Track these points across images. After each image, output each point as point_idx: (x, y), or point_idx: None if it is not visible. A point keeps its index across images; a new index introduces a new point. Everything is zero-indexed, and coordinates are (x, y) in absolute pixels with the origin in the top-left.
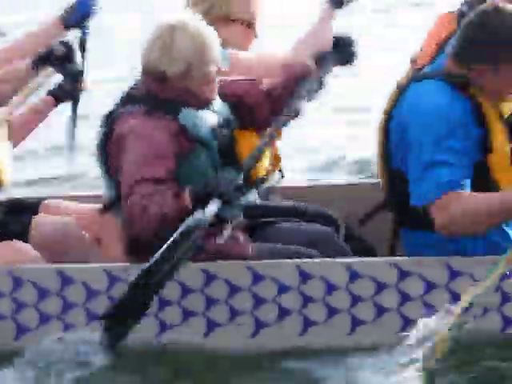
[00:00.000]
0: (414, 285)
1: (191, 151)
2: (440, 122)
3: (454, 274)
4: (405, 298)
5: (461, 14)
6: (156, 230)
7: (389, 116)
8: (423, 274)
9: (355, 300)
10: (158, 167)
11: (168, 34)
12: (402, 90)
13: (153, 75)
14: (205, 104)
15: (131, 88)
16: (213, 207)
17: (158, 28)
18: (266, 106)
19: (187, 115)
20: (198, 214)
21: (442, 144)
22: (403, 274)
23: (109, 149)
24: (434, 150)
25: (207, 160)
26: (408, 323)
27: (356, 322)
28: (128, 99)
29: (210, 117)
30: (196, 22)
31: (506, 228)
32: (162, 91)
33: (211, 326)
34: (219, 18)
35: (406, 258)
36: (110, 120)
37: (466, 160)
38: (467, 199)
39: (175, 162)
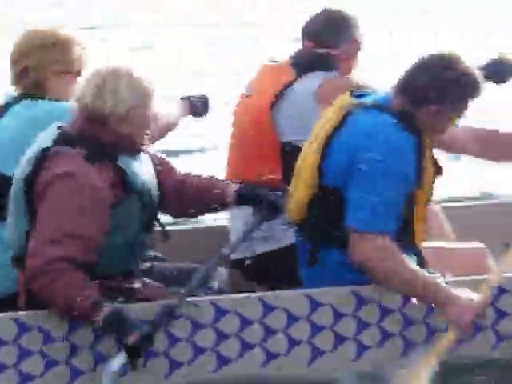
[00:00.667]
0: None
1: (125, 200)
2: (398, 161)
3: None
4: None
5: (295, 64)
6: (57, 300)
7: (329, 137)
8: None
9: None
10: (87, 226)
11: (112, 79)
12: (344, 114)
13: (92, 117)
14: (138, 151)
15: (62, 126)
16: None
17: (100, 72)
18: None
19: (126, 162)
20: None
21: (393, 184)
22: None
23: (37, 188)
24: (386, 187)
25: (137, 211)
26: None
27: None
28: (63, 139)
29: (143, 166)
30: (137, 70)
31: None
32: (101, 134)
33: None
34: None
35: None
36: (43, 158)
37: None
38: (397, 254)
39: (108, 214)
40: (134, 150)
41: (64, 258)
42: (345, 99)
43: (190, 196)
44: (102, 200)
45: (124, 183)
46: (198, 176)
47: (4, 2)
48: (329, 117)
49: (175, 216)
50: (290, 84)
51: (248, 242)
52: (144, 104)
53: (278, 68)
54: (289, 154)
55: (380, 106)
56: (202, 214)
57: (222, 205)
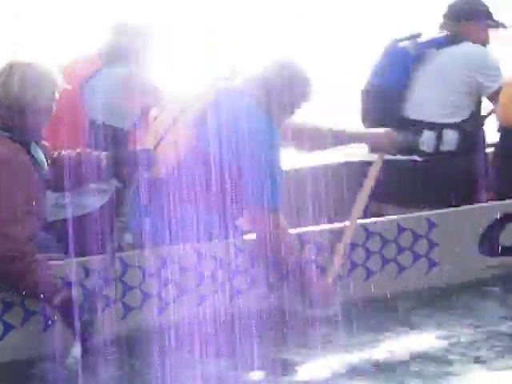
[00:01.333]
0: None
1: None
2: (271, 139)
3: None
4: None
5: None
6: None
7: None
8: None
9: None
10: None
11: (22, 71)
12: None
13: (9, 107)
14: (41, 139)
15: None
16: None
17: (11, 65)
18: None
19: (35, 150)
20: None
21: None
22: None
23: None
24: (273, 165)
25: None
26: None
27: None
28: None
29: (40, 153)
30: (43, 61)
31: None
32: (16, 122)
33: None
34: None
35: None
36: None
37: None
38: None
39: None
40: (39, 139)
41: (30, 238)
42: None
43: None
44: (35, 179)
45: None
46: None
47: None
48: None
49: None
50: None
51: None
52: (51, 93)
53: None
54: (96, 129)
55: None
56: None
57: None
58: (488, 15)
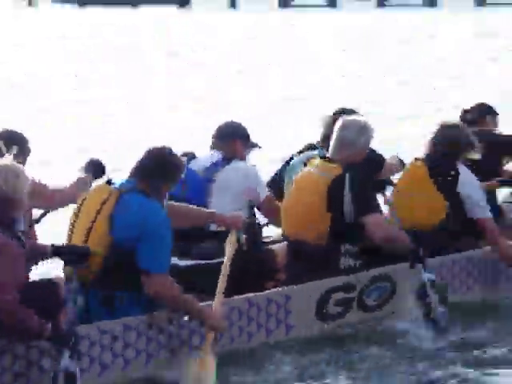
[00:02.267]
0: None
1: None
2: (163, 220)
3: None
4: None
5: None
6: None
7: (111, 214)
8: None
9: None
10: None
11: (12, 173)
12: (117, 197)
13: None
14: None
15: None
16: None
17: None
18: None
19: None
20: None
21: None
22: None
23: None
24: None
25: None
26: None
27: None
28: None
29: None
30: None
31: None
32: (8, 213)
33: None
34: None
35: None
36: None
37: None
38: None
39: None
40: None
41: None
42: (105, 188)
43: None
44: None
45: None
46: None
47: None
48: (98, 199)
49: None
50: None
51: None
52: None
53: None
54: None
55: (136, 190)
56: None
57: None
58: (247, 136)
